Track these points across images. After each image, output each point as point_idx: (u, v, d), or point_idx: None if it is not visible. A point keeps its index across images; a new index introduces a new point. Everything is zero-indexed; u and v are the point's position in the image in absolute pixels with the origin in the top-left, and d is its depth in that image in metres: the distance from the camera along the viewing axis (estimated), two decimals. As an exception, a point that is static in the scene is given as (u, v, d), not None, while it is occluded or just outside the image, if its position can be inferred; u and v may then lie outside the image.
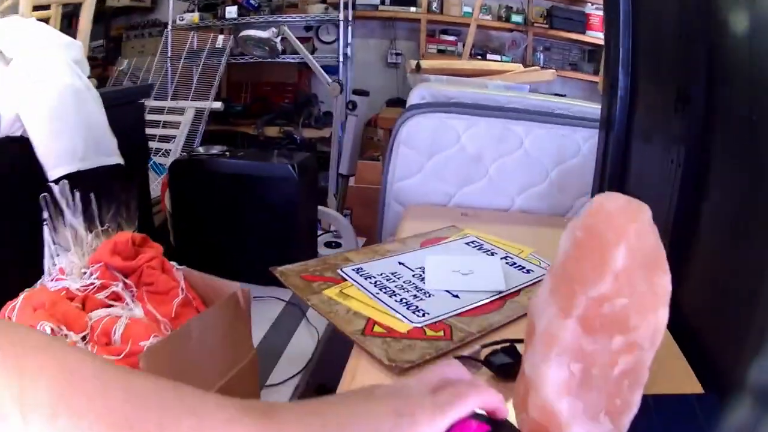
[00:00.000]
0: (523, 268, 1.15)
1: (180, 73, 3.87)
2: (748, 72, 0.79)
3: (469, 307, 0.97)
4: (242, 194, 1.56)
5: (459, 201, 1.68)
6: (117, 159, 1.60)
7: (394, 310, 0.95)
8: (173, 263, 1.03)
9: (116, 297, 0.96)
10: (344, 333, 0.89)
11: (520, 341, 0.82)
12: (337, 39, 4.14)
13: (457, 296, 1.01)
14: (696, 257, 0.97)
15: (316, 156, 3.76)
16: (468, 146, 1.68)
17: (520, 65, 3.20)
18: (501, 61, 4.14)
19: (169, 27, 4.05)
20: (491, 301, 1.00)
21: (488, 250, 1.23)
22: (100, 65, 4.19)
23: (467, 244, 1.27)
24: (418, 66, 2.53)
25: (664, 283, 0.59)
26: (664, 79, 1.10)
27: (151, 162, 3.09)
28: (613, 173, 1.36)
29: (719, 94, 0.86)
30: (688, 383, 0.84)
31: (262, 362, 1.11)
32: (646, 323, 0.59)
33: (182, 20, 4.11)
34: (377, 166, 3.43)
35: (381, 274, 1.08)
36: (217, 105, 3.59)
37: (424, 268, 1.11)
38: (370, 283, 1.04)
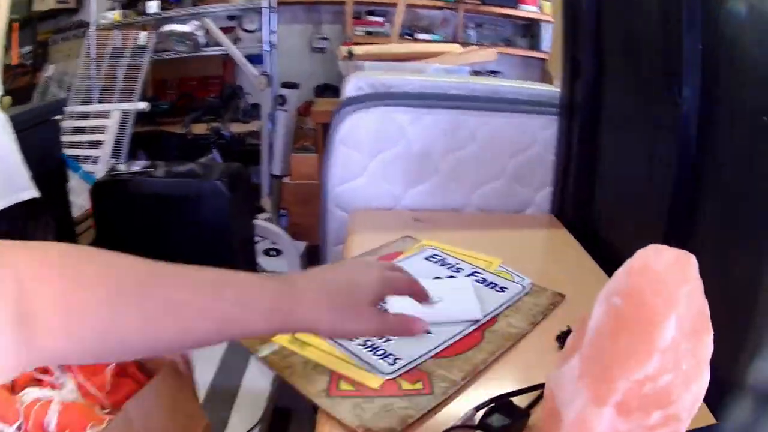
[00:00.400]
0: (496, 285, 1.03)
1: (105, 74, 3.65)
2: (758, 57, 0.67)
3: (446, 345, 0.84)
4: (169, 214, 1.40)
5: (408, 203, 1.55)
6: (32, 192, 1.41)
7: (359, 358, 0.81)
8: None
9: (44, 369, 0.83)
10: (307, 397, 0.74)
11: (515, 394, 0.70)
12: (261, 27, 3.95)
13: (428, 331, 0.87)
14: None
15: (245, 151, 3.60)
16: (414, 142, 1.54)
17: (455, 44, 3.08)
18: (432, 40, 4.01)
19: (92, 27, 3.81)
20: (468, 334, 0.88)
21: (453, 266, 1.10)
22: (29, 72, 3.94)
23: (428, 258, 1.14)
24: (350, 53, 2.37)
25: (707, 345, 0.47)
26: (643, 59, 0.97)
27: (80, 171, 2.95)
28: (580, 166, 1.25)
29: (720, 83, 0.74)
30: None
31: (214, 416, 0.97)
32: (688, 393, 0.48)
33: (104, 19, 3.88)
34: (312, 159, 3.26)
35: (338, 309, 0.94)
36: (143, 105, 3.41)
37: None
38: (327, 323, 0.90)
